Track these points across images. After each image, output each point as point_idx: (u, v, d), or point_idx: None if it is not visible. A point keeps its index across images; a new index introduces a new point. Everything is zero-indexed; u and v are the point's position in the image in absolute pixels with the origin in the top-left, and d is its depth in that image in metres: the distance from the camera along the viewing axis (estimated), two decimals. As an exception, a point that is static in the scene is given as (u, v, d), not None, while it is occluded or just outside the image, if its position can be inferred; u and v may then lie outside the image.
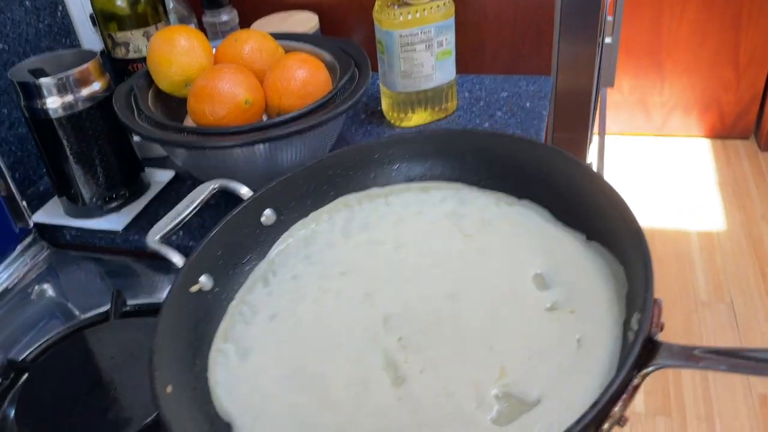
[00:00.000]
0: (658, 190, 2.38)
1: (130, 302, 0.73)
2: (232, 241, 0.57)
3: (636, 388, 0.38)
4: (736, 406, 1.64)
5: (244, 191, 0.60)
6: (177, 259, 0.55)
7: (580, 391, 0.41)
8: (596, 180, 0.52)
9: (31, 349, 0.68)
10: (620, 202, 0.49)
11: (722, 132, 2.58)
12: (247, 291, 0.56)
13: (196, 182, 0.90)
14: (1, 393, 0.63)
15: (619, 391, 0.37)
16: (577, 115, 1.25)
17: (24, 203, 0.76)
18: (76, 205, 0.83)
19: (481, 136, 0.61)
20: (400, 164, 0.63)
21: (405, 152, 0.63)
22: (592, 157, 1.56)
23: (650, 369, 0.38)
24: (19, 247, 0.79)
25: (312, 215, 0.61)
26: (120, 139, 0.83)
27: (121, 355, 0.64)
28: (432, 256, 0.56)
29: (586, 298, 0.48)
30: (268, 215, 0.59)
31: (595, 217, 0.51)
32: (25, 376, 0.64)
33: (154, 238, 0.56)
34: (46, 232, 0.83)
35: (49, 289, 0.79)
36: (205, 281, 0.54)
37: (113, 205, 0.84)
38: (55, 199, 0.86)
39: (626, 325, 0.45)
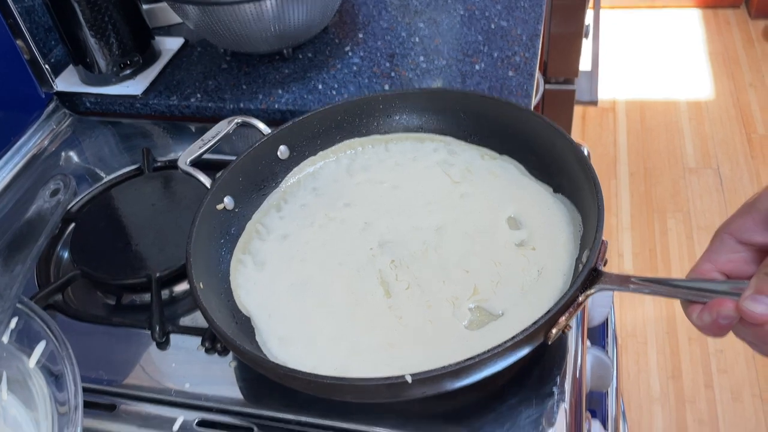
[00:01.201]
0: (649, 62, 2.39)
1: (160, 159, 0.77)
2: (251, 170, 0.65)
3: (579, 305, 0.47)
4: (719, 261, 1.74)
5: (263, 127, 0.67)
6: (205, 180, 0.62)
7: (536, 309, 0.50)
8: (567, 142, 0.59)
9: (72, 204, 0.72)
10: (585, 161, 0.56)
11: (714, 1, 2.56)
12: (263, 214, 0.65)
13: (207, 48, 0.92)
14: (53, 240, 0.68)
15: (567, 304, 0.46)
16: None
17: (47, 66, 0.78)
18: (92, 73, 0.85)
19: (476, 99, 0.67)
20: (400, 115, 0.69)
21: (406, 106, 0.69)
22: (587, 33, 1.57)
23: (593, 291, 0.47)
24: (44, 114, 0.82)
25: (320, 154, 0.68)
26: (129, 5, 0.84)
27: (161, 203, 0.69)
28: (423, 196, 0.64)
29: (548, 238, 0.58)
30: (282, 151, 0.67)
31: (563, 173, 0.60)
32: (73, 225, 0.69)
33: (185, 161, 0.63)
34: (66, 99, 0.86)
35: (75, 155, 0.83)
36: (228, 201, 0.62)
37: (128, 72, 0.86)
38: (71, 68, 0.88)
39: (578, 261, 0.54)
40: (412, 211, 0.62)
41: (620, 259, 1.82)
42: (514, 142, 0.64)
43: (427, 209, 0.62)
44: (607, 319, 0.72)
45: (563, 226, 0.57)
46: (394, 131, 0.69)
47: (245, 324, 0.55)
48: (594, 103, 1.36)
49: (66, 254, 0.67)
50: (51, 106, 0.84)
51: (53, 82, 0.80)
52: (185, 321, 0.60)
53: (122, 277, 0.62)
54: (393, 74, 0.83)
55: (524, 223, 0.59)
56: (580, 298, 0.47)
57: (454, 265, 0.57)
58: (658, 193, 1.97)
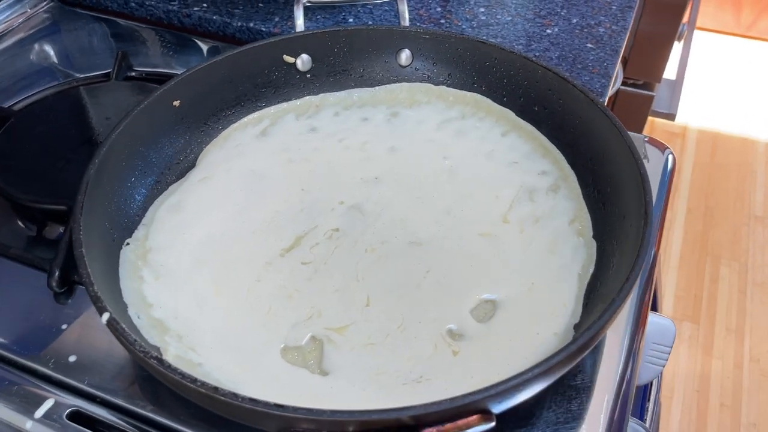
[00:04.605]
0: (731, 93, 2.18)
1: (137, 69, 0.62)
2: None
3: None
4: (772, 325, 1.55)
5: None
6: (300, 27, 0.54)
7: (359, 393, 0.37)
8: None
9: (19, 99, 0.58)
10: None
11: (815, 42, 2.32)
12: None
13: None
14: (-23, 138, 0.54)
15: None
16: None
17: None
18: (89, -44, 0.71)
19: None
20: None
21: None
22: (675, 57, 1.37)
23: None
24: (19, -9, 0.68)
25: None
26: None
27: (118, 118, 0.54)
28: (473, 207, 0.48)
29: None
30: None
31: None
32: (7, 123, 0.55)
33: None
34: (52, -20, 0.72)
35: (50, 48, 0.69)
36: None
37: (132, -36, 0.72)
38: (67, -53, 0.74)
39: None
40: (435, 207, 0.47)
41: (660, 300, 1.63)
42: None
43: (445, 218, 0.46)
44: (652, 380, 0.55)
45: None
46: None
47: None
48: (672, 116, 1.18)
49: (-14, 159, 0.53)
50: (29, -16, 0.70)
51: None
52: (102, 272, 0.46)
53: (40, 198, 0.48)
54: (443, 21, 0.66)
55: (499, 305, 0.41)
56: None
57: (365, 287, 0.42)
58: (716, 237, 1.77)
